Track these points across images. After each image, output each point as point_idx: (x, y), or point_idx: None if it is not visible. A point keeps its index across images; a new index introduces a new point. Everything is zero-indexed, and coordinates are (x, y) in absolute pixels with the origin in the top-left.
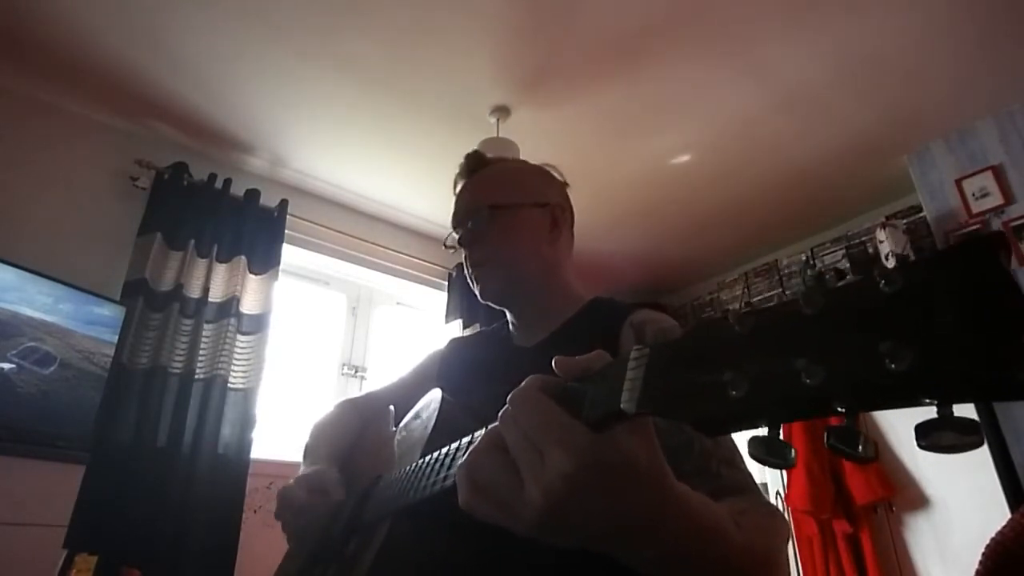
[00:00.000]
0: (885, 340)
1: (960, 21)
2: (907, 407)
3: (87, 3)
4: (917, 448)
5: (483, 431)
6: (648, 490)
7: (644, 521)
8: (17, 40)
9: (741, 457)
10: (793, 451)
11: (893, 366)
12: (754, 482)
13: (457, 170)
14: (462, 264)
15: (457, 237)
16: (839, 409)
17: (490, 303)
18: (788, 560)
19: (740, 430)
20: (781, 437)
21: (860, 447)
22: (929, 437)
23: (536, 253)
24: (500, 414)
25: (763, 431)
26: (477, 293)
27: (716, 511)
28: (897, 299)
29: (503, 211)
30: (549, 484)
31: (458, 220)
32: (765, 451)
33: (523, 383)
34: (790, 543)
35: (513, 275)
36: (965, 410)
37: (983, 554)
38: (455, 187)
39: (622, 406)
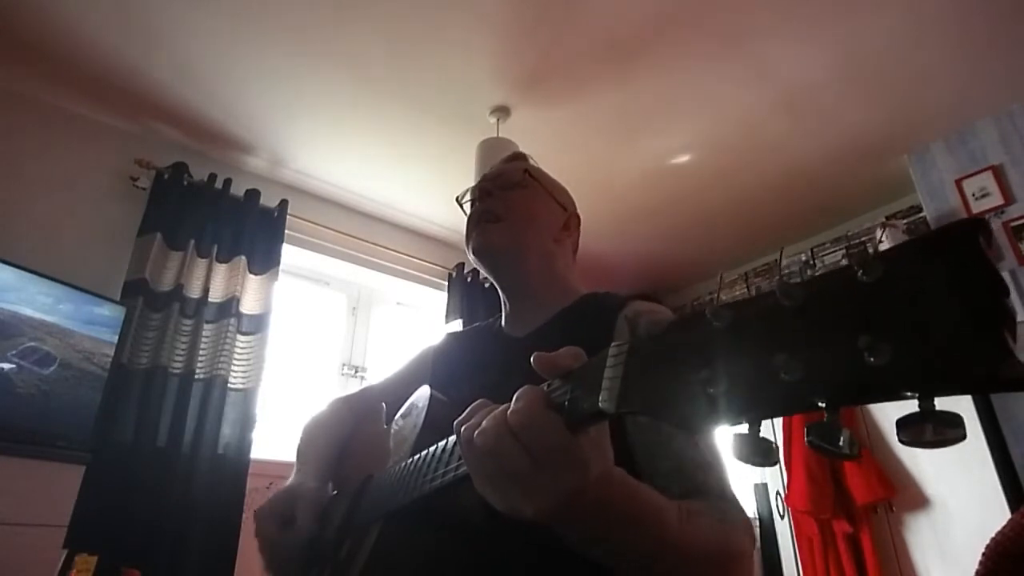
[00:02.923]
0: (864, 333)
1: (960, 22)
2: (888, 401)
3: (87, 3)
4: (915, 448)
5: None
6: (595, 490)
7: (581, 510)
8: (17, 40)
9: (719, 461)
10: (776, 448)
11: (872, 360)
12: (725, 488)
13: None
14: (462, 264)
15: (477, 191)
16: (820, 404)
17: (481, 261)
18: (744, 568)
19: (720, 426)
20: (765, 434)
21: (842, 444)
22: (910, 432)
23: (542, 237)
24: (494, 428)
25: (744, 428)
26: (474, 245)
27: (658, 502)
28: (876, 289)
29: (535, 184)
30: (544, 503)
31: (489, 176)
32: (748, 449)
33: (523, 396)
34: (790, 543)
35: (517, 241)
36: (962, 404)
37: (983, 554)
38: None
39: (601, 406)
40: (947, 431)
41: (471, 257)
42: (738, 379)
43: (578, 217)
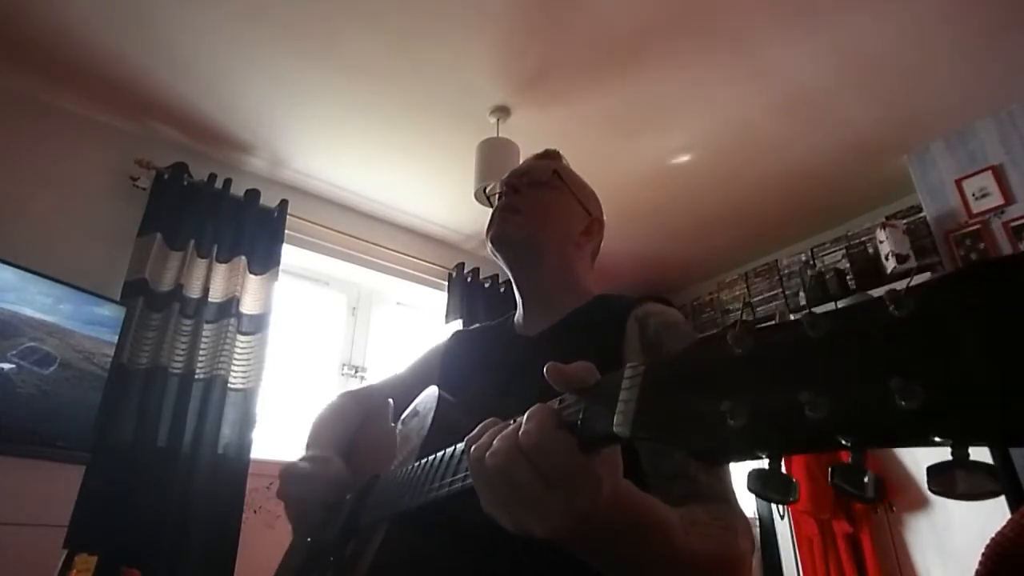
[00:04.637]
0: (895, 374)
1: (960, 22)
2: (919, 446)
3: (88, 3)
4: (917, 448)
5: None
6: (605, 508)
7: (591, 529)
8: (17, 40)
9: (724, 466)
10: (795, 485)
11: (903, 403)
12: (730, 492)
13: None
14: (462, 264)
15: (504, 186)
16: (844, 443)
17: (498, 252)
18: (744, 572)
19: (738, 461)
20: (783, 470)
21: (865, 487)
22: (941, 481)
23: (562, 238)
24: (505, 450)
25: (763, 463)
26: (492, 234)
27: (663, 514)
28: (908, 326)
29: (562, 185)
30: (555, 524)
31: (517, 172)
32: (764, 485)
33: (535, 416)
34: (790, 543)
35: (535, 237)
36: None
37: (983, 554)
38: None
39: (615, 430)
40: (981, 482)
41: (489, 248)
42: (760, 412)
43: (602, 223)
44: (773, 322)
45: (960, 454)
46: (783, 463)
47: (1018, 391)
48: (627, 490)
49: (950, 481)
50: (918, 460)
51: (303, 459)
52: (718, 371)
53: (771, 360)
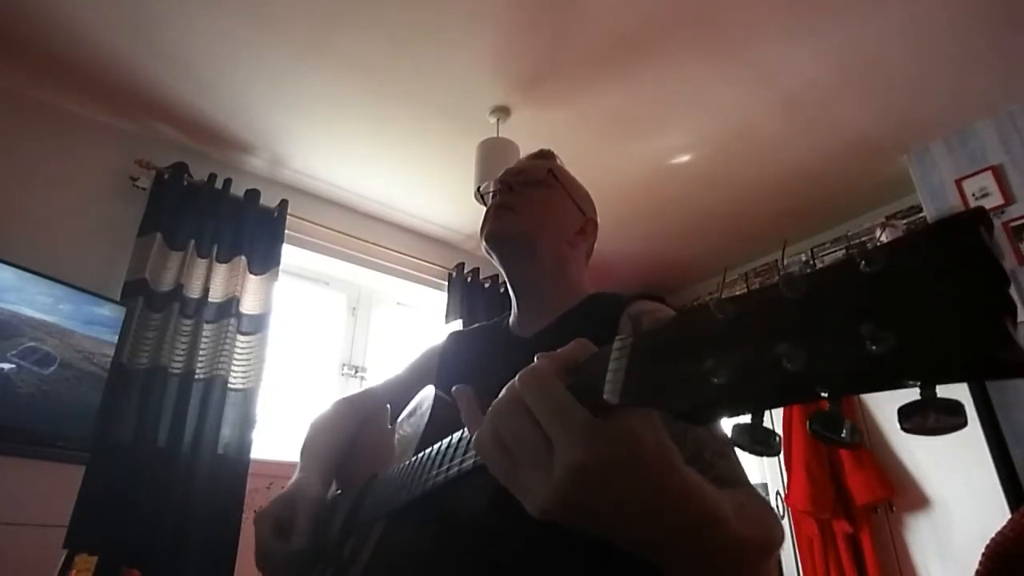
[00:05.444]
0: (866, 322)
1: (960, 22)
2: (891, 389)
3: (88, 3)
4: (916, 447)
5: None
6: (655, 474)
7: (647, 505)
8: (17, 40)
9: (734, 450)
10: (777, 438)
11: (874, 348)
12: (743, 476)
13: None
14: (462, 264)
15: (499, 184)
16: (822, 394)
17: (493, 249)
18: (776, 558)
19: (723, 417)
20: (766, 424)
21: (844, 432)
22: (912, 419)
23: (556, 236)
24: (509, 397)
25: (747, 419)
26: (487, 232)
27: (719, 499)
28: (878, 280)
29: (557, 184)
30: (559, 479)
31: (512, 171)
32: (749, 438)
33: (535, 363)
34: (790, 543)
35: (529, 234)
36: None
37: (983, 554)
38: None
39: (605, 397)
40: (948, 418)
41: (483, 246)
42: (741, 369)
43: (595, 223)
44: (754, 288)
45: (928, 394)
46: (765, 420)
47: (976, 330)
48: (690, 473)
49: (921, 418)
50: (918, 461)
51: (270, 513)
52: (702, 335)
53: (751, 321)
